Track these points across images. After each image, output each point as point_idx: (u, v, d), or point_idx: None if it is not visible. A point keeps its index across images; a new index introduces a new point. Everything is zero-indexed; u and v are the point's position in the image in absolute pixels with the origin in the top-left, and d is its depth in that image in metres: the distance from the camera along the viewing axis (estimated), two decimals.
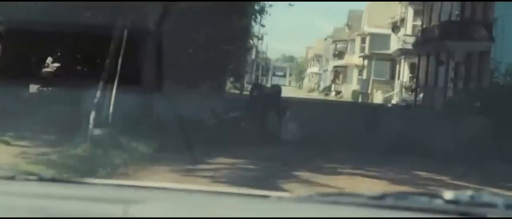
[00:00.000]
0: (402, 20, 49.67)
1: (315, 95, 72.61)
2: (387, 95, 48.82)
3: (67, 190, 2.39)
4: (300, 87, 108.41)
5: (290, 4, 28.67)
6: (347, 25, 71.41)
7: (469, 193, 2.15)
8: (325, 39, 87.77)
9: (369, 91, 53.14)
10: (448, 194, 2.14)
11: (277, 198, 2.35)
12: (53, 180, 2.58)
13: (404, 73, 47.77)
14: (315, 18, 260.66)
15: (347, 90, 63.10)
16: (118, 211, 1.99)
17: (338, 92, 67.15)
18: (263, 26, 41.73)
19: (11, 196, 2.16)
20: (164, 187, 2.52)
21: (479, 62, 32.28)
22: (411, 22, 46.54)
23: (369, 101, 51.23)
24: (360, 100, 54.45)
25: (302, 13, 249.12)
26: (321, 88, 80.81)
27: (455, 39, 31.17)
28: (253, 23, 43.34)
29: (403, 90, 45.43)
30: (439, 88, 32.90)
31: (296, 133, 19.49)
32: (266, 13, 33.16)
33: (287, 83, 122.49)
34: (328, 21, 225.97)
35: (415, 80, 40.92)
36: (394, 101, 45.22)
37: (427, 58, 35.83)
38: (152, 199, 2.22)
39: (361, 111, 24.80)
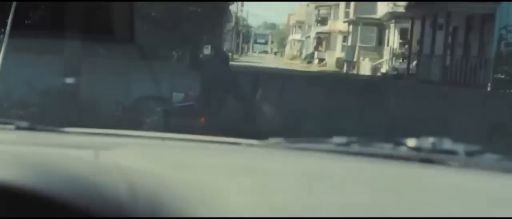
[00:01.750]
0: None
1: (297, 63, 70.49)
2: (375, 63, 45.71)
3: (42, 137, 2.50)
4: (282, 54, 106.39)
5: None
6: None
7: (431, 140, 2.14)
8: (307, 5, 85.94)
9: (355, 59, 50.08)
10: (411, 141, 2.16)
11: (247, 145, 2.44)
12: (29, 128, 2.58)
13: (394, 39, 44.55)
14: None
15: (331, 58, 60.48)
16: (89, 156, 2.03)
17: (321, 60, 64.55)
18: None
19: None
20: (136, 134, 2.63)
21: (481, 27, 28.88)
22: None
23: (355, 70, 48.14)
24: (345, 68, 51.56)
25: None
26: (304, 55, 78.74)
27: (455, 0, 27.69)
28: None
29: (393, 58, 42.23)
30: (437, 55, 29.40)
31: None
32: None
33: (269, 50, 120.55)
34: None
35: (407, 47, 37.45)
36: (383, 70, 41.94)
37: (422, 22, 32.36)
38: (123, 146, 2.30)
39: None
